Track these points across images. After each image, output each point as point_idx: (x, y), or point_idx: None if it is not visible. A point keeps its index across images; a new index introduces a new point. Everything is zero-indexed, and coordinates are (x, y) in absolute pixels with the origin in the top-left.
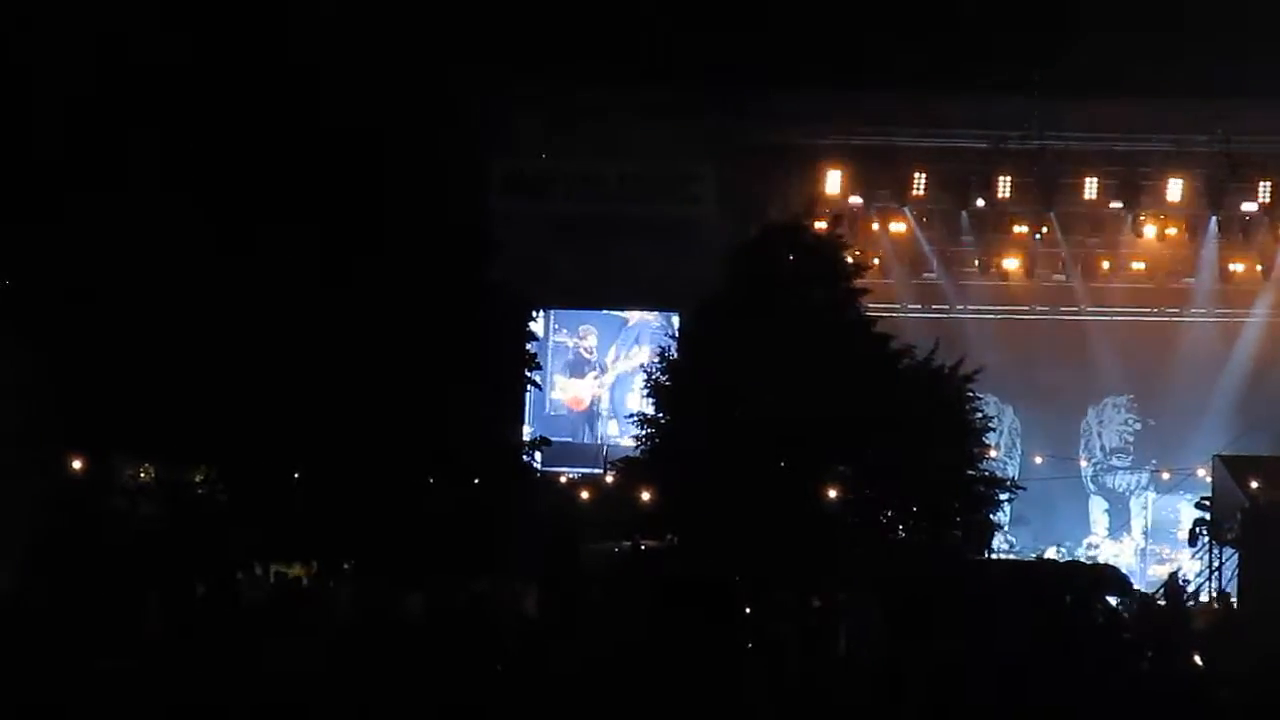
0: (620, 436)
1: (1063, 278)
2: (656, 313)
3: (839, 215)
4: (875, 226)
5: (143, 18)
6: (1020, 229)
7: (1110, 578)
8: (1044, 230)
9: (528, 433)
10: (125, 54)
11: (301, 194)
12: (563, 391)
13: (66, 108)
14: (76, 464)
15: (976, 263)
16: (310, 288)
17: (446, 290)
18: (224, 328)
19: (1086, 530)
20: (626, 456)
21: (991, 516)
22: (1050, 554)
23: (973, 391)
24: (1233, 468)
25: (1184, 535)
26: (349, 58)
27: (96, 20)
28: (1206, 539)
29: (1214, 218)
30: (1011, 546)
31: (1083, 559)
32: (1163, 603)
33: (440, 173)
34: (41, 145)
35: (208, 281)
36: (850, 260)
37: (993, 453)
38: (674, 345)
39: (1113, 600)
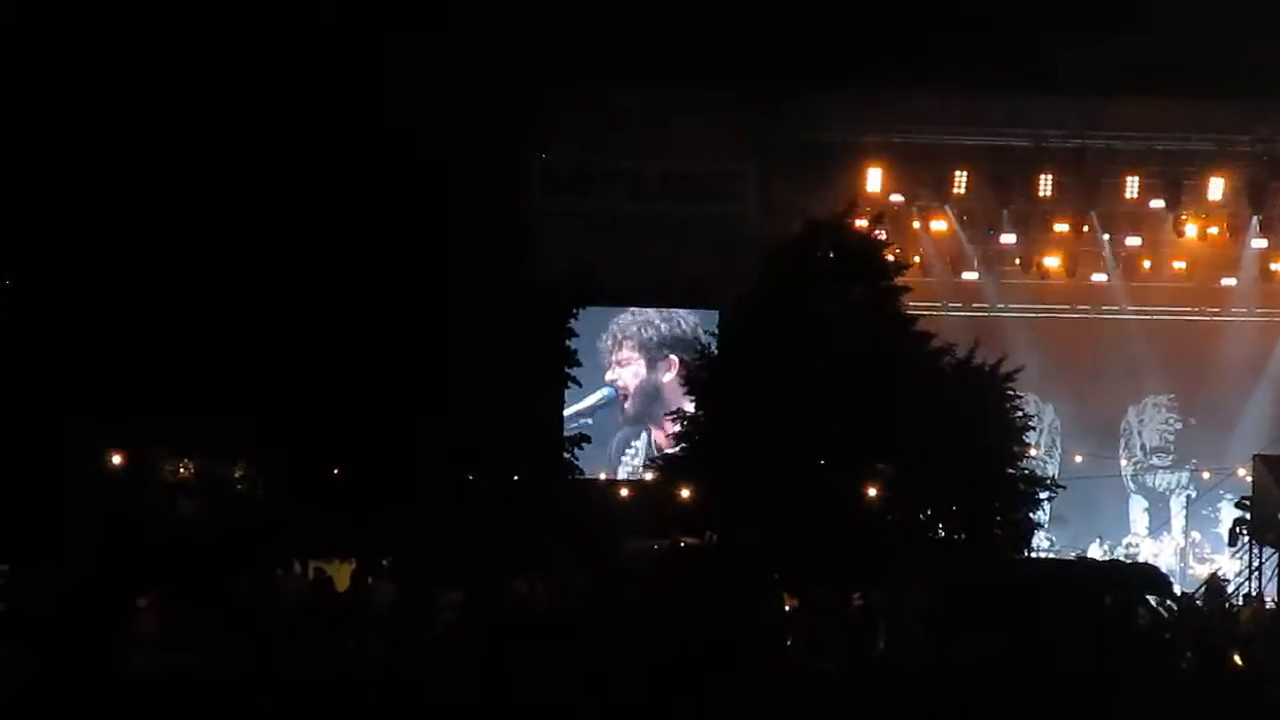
0: (659, 434)
1: (1104, 277)
2: (697, 311)
3: (880, 213)
4: (916, 225)
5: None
6: (1061, 228)
7: (1151, 577)
8: (1085, 229)
9: (567, 430)
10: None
11: (343, 194)
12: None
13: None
14: (116, 459)
15: (1017, 261)
16: (353, 285)
17: (488, 288)
18: (267, 324)
19: (1126, 529)
20: (665, 454)
21: (1031, 515)
22: (1093, 552)
23: (1013, 390)
24: (1273, 467)
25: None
26: (392, 59)
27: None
28: (1246, 539)
29: (1255, 217)
30: (1051, 545)
31: (1122, 558)
32: (1202, 602)
33: (483, 171)
34: (98, 140)
35: (252, 278)
36: (891, 258)
37: (1033, 451)
38: (714, 343)
39: (1153, 600)
